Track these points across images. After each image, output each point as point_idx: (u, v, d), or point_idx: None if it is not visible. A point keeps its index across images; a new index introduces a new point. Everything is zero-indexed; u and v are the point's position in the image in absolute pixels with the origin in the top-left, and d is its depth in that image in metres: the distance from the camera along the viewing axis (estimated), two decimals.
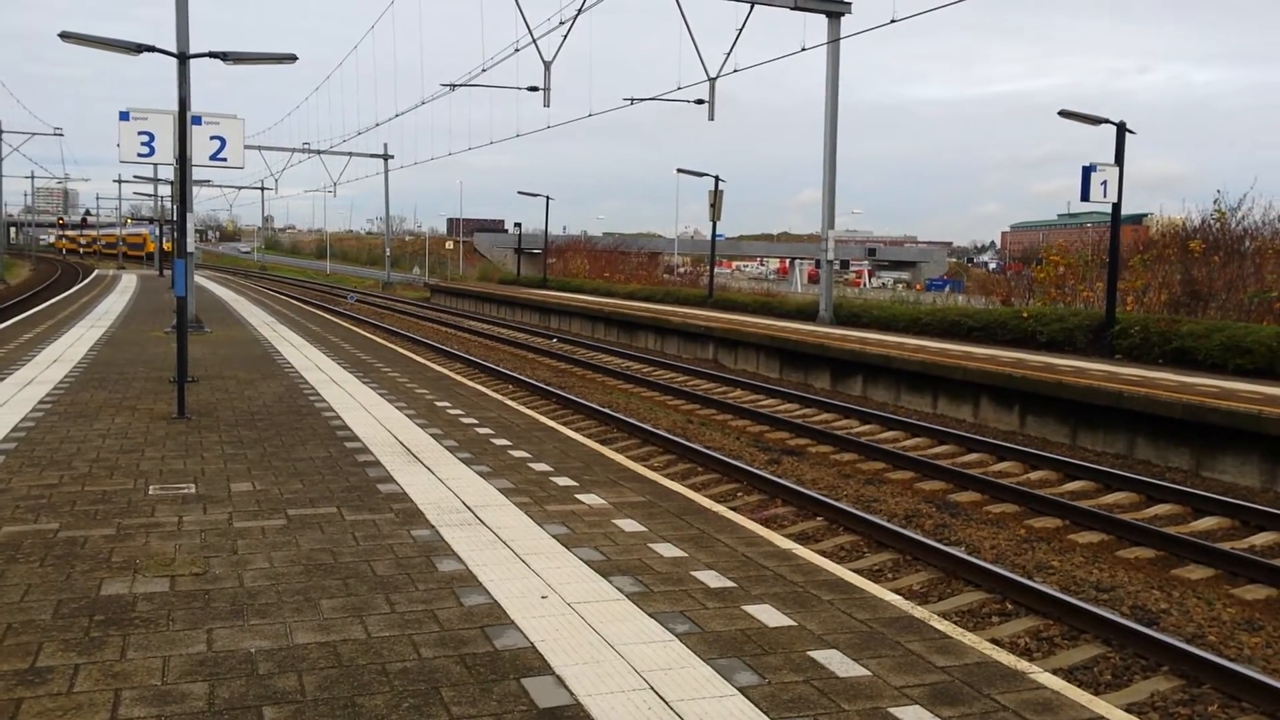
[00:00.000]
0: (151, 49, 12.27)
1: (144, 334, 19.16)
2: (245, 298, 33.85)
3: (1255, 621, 7.01)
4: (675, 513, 6.81)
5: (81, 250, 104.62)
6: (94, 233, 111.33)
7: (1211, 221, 22.76)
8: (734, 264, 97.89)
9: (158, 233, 63.25)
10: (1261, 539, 9.01)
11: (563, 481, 7.63)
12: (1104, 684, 5.93)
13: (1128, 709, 5.21)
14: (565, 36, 27.82)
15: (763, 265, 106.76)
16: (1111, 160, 17.79)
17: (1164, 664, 6.05)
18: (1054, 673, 5.00)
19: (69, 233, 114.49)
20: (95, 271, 58.07)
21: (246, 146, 12.05)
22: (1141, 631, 6.34)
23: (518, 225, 57.48)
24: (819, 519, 9.18)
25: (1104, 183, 17.55)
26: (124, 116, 10.85)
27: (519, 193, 75.55)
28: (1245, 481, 11.37)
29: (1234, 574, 7.94)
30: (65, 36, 13.17)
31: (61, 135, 58.19)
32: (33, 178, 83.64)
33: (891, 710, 3.90)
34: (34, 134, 55.75)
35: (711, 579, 5.42)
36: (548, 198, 45.48)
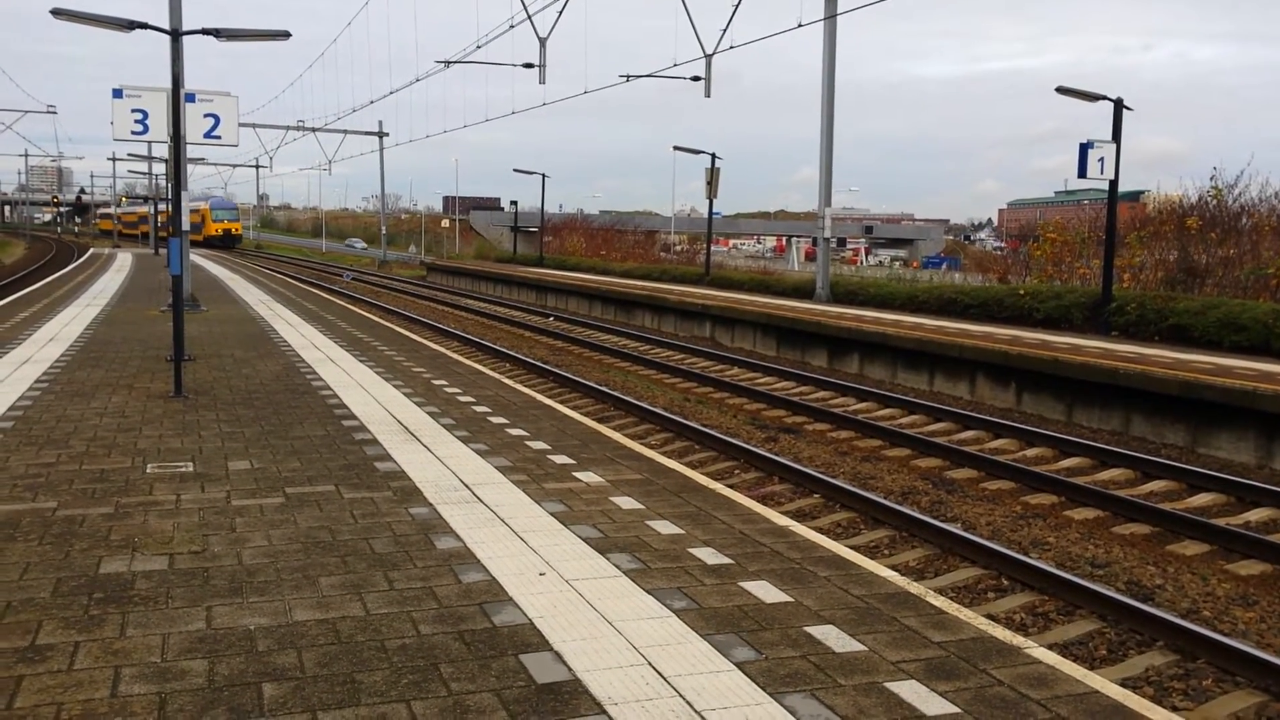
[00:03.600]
0: (144, 26, 12.19)
1: (140, 313, 19.12)
2: (241, 276, 33.78)
3: (1250, 597, 7.05)
4: (673, 490, 6.82)
5: (126, 231, 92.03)
6: (143, 209, 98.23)
7: (1208, 199, 22.73)
8: (731, 242, 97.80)
9: (148, 210, 61.91)
10: (1256, 515, 9.05)
11: (560, 459, 7.64)
12: (1099, 659, 5.97)
13: (1122, 684, 5.24)
14: (560, 13, 27.66)
15: (760, 243, 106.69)
16: (1109, 137, 17.74)
17: (1159, 639, 6.09)
18: (1049, 648, 5.04)
19: (114, 210, 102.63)
20: (90, 250, 57.88)
21: (241, 124, 12.00)
22: (1136, 607, 6.37)
23: (514, 203, 57.26)
24: (816, 496, 9.20)
25: (1101, 160, 17.51)
26: (117, 94, 10.80)
27: (515, 170, 74.96)
28: (1241, 458, 11.41)
29: (1229, 550, 7.97)
30: (57, 13, 13.09)
31: (54, 113, 57.97)
32: (26, 156, 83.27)
33: (888, 685, 3.93)
34: (26, 112, 55.49)
35: (709, 556, 5.44)
36: (544, 176, 45.34)
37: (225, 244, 78.86)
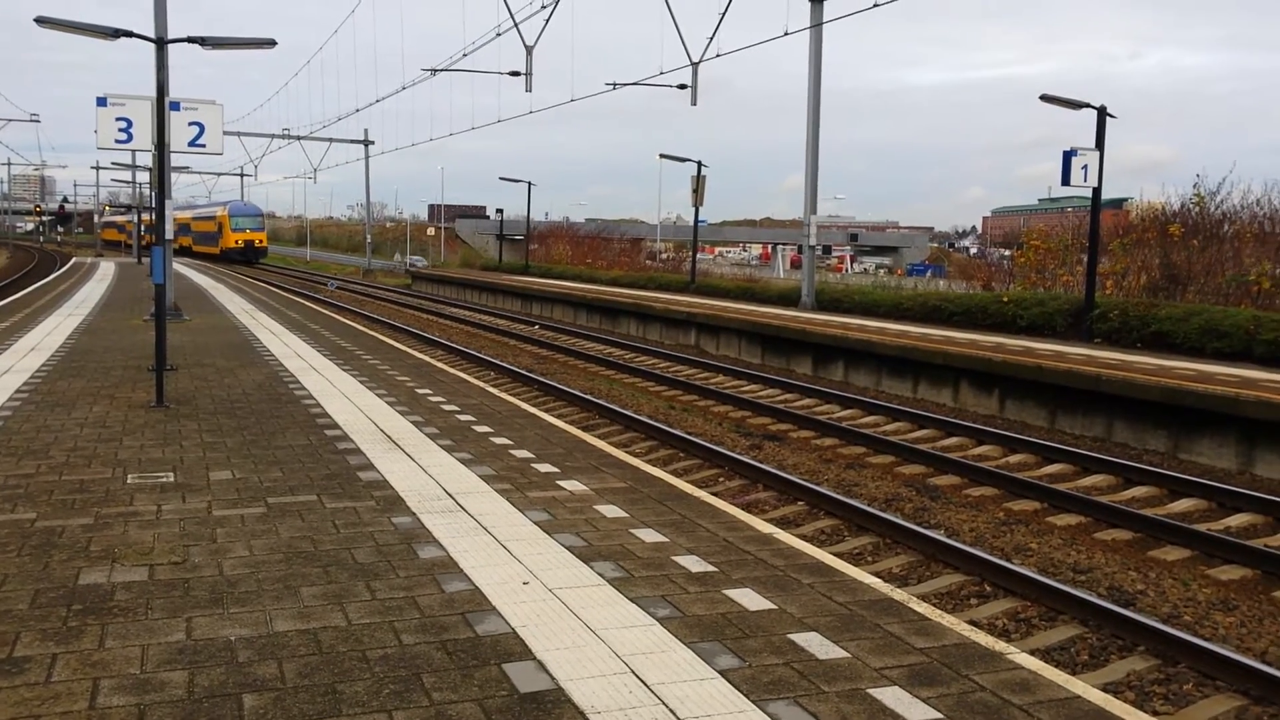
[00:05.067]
0: (129, 34, 12.17)
1: (122, 322, 19.02)
2: (224, 285, 33.65)
3: (1230, 601, 7.09)
4: (657, 498, 6.82)
5: (130, 243, 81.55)
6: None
7: (1191, 206, 22.90)
8: (716, 249, 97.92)
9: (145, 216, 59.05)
10: (1237, 520, 9.11)
11: (544, 468, 7.63)
12: (1081, 664, 5.99)
13: (1104, 689, 5.26)
14: (547, 21, 27.71)
15: (745, 251, 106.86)
16: (1094, 145, 17.85)
17: (1140, 644, 6.12)
18: (1031, 653, 5.06)
19: (118, 219, 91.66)
20: (73, 259, 57.59)
21: (226, 132, 11.97)
22: (1118, 612, 6.41)
23: (499, 211, 57.25)
24: (800, 503, 9.21)
25: (1084, 167, 17.62)
26: (101, 102, 10.75)
27: (501, 179, 74.91)
28: (1222, 464, 11.48)
29: (1210, 555, 8.02)
30: (41, 21, 13.05)
31: (38, 121, 57.71)
32: (9, 164, 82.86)
33: (871, 691, 3.93)
34: (9, 121, 55.21)
35: (693, 564, 5.44)
36: (529, 183, 45.36)
37: (247, 258, 65.83)
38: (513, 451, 8.18)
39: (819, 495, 9.20)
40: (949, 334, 18.61)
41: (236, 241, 66.58)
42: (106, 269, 43.54)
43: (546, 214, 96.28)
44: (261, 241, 68.60)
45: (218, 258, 64.99)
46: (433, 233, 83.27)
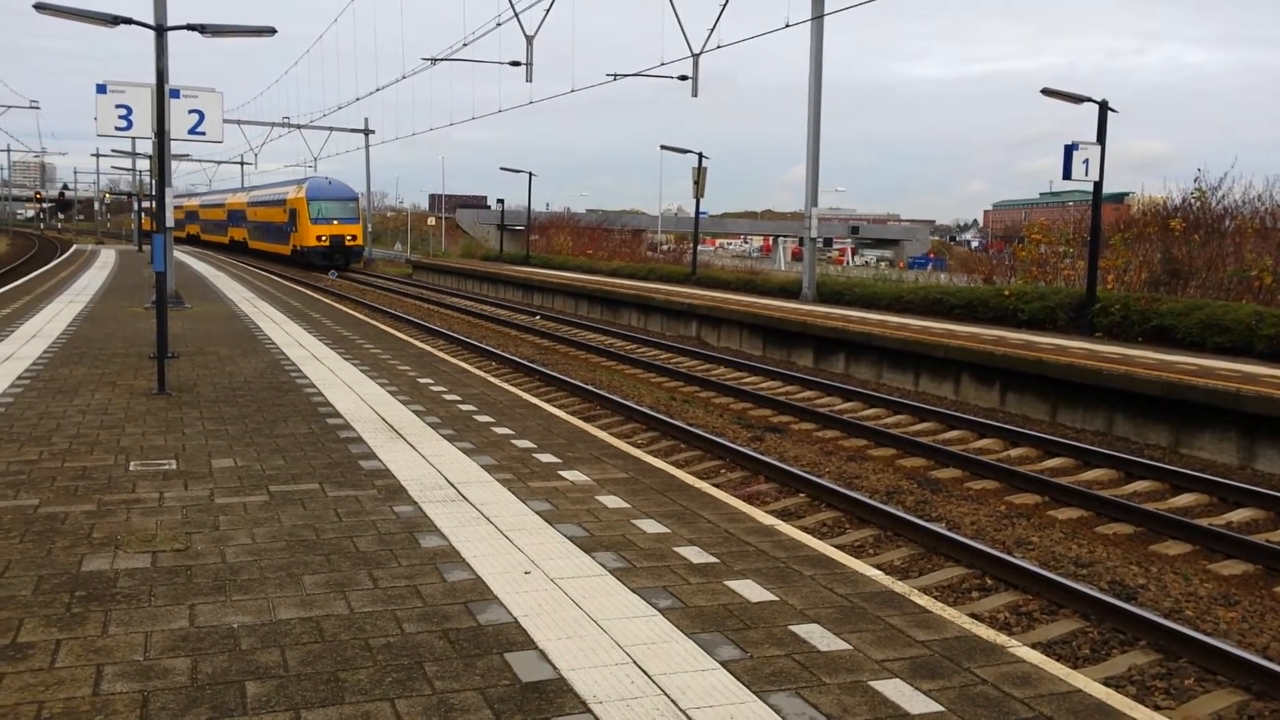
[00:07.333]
0: (128, 21, 12.14)
1: (123, 309, 19.01)
2: (225, 273, 33.62)
3: (1231, 596, 7.09)
4: (658, 489, 6.82)
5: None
6: (193, 203, 72.19)
7: (1192, 200, 22.86)
8: (717, 241, 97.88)
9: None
10: (1238, 515, 9.10)
11: (546, 458, 7.63)
12: (1082, 658, 5.99)
13: (1105, 683, 5.26)
14: (548, 11, 27.65)
15: (746, 243, 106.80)
16: (1096, 139, 17.81)
17: (1141, 638, 6.12)
18: (1033, 647, 5.06)
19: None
20: (74, 246, 57.54)
21: (226, 120, 11.94)
22: (1119, 606, 6.40)
23: (500, 201, 57.18)
24: (801, 495, 9.21)
25: (1086, 161, 17.58)
26: (101, 89, 10.73)
27: (502, 169, 74.54)
28: (1223, 459, 11.47)
29: (1211, 549, 8.02)
30: (40, 8, 13.02)
31: (38, 108, 57.63)
32: (9, 151, 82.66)
33: (872, 684, 3.94)
34: (9, 107, 55.09)
35: (694, 555, 5.44)
36: (530, 174, 45.27)
37: (333, 261, 45.70)
38: (514, 441, 8.18)
39: (820, 487, 9.20)
40: (950, 327, 18.60)
41: (319, 238, 46.29)
42: (107, 256, 43.49)
43: (548, 204, 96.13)
44: (355, 238, 47.73)
45: (288, 259, 47.84)
46: (433, 223, 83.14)
